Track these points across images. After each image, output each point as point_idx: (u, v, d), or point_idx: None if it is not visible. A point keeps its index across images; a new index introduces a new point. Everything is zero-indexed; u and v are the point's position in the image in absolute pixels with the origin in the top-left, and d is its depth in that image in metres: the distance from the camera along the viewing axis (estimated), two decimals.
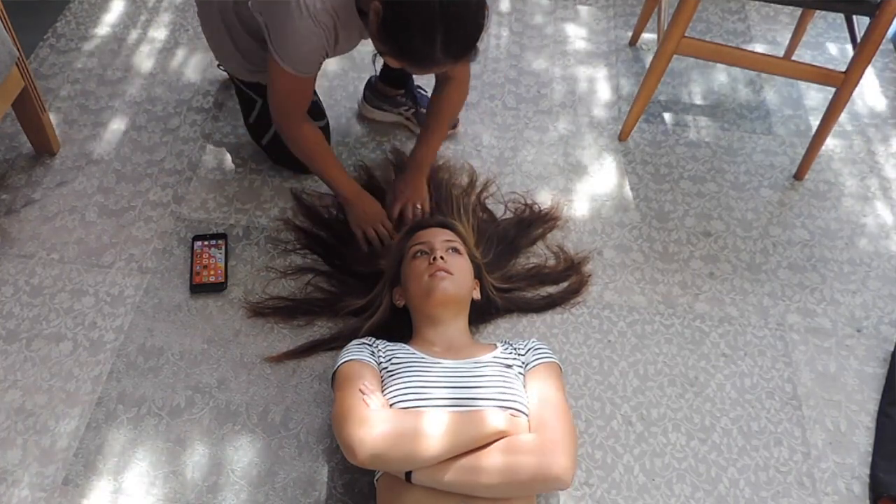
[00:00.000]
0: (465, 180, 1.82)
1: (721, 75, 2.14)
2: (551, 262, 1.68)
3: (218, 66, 2.06)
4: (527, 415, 1.22)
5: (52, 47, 2.14)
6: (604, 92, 2.08)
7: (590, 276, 1.67)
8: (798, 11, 2.13)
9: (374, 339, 1.35)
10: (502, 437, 1.15)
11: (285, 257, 1.68)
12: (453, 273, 1.37)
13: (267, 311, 1.57)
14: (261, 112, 1.75)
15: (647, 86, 1.82)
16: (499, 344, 1.36)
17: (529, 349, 1.33)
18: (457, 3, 1.19)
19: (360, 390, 1.19)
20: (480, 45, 1.29)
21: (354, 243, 1.65)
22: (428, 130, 1.70)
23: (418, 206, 1.68)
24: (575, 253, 1.70)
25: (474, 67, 2.10)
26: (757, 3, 2.34)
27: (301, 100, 1.55)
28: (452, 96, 1.67)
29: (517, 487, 1.14)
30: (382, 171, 1.84)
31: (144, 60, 2.12)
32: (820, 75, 1.70)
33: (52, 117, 1.90)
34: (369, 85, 1.95)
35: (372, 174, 1.82)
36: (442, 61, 1.25)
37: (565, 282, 1.65)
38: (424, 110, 1.90)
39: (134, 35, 2.19)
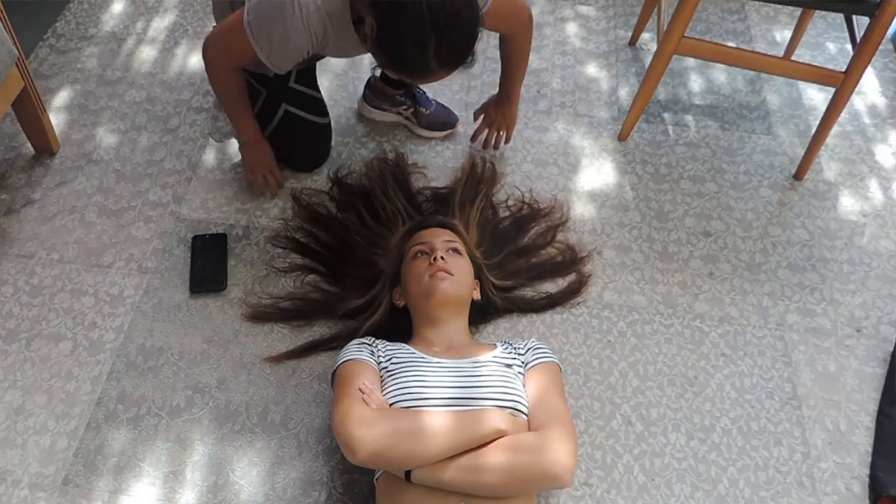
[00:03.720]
0: (474, 178, 1.81)
1: (721, 75, 2.14)
2: (552, 251, 1.69)
3: None
4: (526, 414, 1.22)
5: (52, 47, 2.14)
6: (604, 92, 2.08)
7: (590, 276, 1.67)
8: (798, 11, 2.13)
9: (373, 339, 1.35)
10: (502, 437, 1.15)
11: (285, 257, 1.68)
12: (454, 273, 1.37)
13: (266, 314, 1.57)
14: (264, 104, 1.75)
15: (646, 86, 1.82)
16: (498, 344, 1.36)
17: (529, 349, 1.33)
18: (447, 13, 1.20)
19: (360, 390, 1.19)
20: (480, 45, 1.30)
21: (354, 243, 1.65)
22: (508, 68, 1.76)
23: (503, 133, 1.85)
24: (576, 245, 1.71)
25: (474, 68, 2.09)
26: (757, 3, 2.34)
27: (245, 63, 1.57)
28: (516, 35, 1.69)
29: (517, 486, 1.14)
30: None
31: (144, 60, 2.12)
32: (820, 75, 1.70)
33: (52, 117, 1.90)
34: (369, 84, 1.96)
35: (400, 162, 1.85)
36: (436, 70, 1.27)
37: (565, 280, 1.65)
38: (424, 109, 1.91)
39: (134, 35, 2.19)
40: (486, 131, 1.87)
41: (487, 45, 2.18)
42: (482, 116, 1.87)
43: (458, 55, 1.27)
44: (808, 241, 1.75)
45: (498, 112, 1.83)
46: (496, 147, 1.89)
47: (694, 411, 1.47)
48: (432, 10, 1.19)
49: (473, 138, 1.89)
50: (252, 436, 1.41)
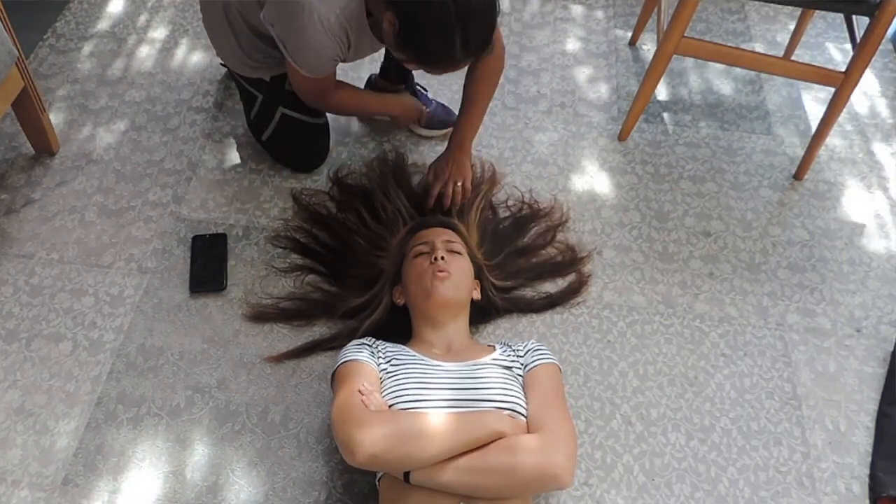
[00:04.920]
0: (475, 178, 1.81)
1: (721, 75, 2.14)
2: (552, 251, 1.69)
3: (221, 64, 2.06)
4: (525, 416, 1.22)
5: (52, 47, 2.14)
6: (604, 92, 2.08)
7: (589, 276, 1.67)
8: (797, 11, 2.13)
9: (373, 340, 1.35)
10: (501, 438, 1.15)
11: (285, 257, 1.68)
12: (454, 274, 1.37)
13: (266, 314, 1.57)
14: (261, 108, 1.75)
15: (646, 86, 1.82)
16: (498, 345, 1.36)
17: (529, 350, 1.33)
18: (471, 2, 1.21)
19: (360, 391, 1.19)
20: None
21: (354, 244, 1.65)
22: (466, 107, 1.66)
23: (459, 183, 1.64)
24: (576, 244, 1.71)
25: None
26: (757, 3, 2.34)
27: (326, 90, 1.63)
28: (486, 70, 1.62)
29: (516, 487, 1.14)
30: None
31: (144, 60, 2.12)
32: (820, 75, 1.71)
33: (52, 117, 1.90)
34: (369, 83, 1.96)
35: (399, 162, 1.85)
36: (462, 60, 1.28)
37: (565, 280, 1.65)
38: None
39: (134, 35, 2.19)
40: (442, 188, 1.65)
41: None
42: (433, 176, 1.67)
43: (483, 43, 1.28)
44: (808, 241, 1.75)
45: (449, 164, 1.65)
46: (455, 204, 1.65)
47: (694, 411, 1.47)
48: (456, 2, 1.19)
49: (429, 200, 1.65)
50: (252, 436, 1.41)
